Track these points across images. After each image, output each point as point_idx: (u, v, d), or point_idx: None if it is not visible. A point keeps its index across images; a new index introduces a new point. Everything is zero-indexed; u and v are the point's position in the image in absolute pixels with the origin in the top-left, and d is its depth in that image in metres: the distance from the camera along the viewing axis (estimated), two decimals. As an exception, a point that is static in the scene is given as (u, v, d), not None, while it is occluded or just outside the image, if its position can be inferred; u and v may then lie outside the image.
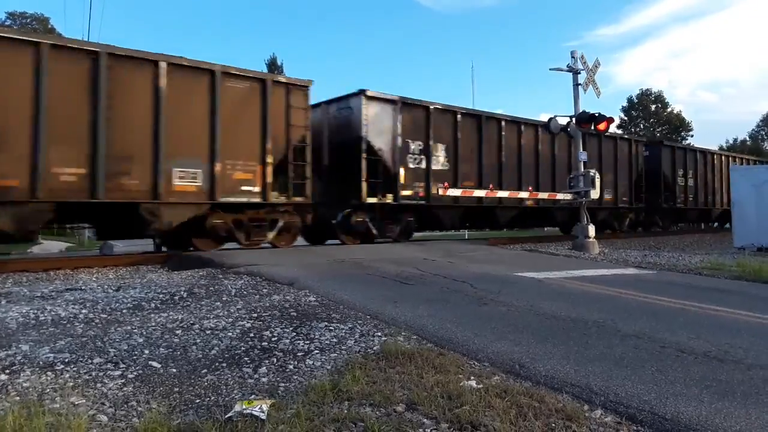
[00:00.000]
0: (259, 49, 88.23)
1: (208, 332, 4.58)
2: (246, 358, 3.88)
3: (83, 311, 5.37)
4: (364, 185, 12.71)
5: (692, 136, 58.25)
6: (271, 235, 11.65)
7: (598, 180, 13.97)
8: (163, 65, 9.96)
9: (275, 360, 3.85)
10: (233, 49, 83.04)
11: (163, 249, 12.28)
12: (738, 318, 5.49)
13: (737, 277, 8.84)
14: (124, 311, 5.44)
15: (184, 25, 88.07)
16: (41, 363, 3.64)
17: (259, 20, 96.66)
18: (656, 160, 21.30)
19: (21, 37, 8.97)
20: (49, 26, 40.62)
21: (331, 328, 4.77)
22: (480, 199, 15.09)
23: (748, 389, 3.32)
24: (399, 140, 13.39)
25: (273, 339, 4.40)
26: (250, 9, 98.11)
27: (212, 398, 3.12)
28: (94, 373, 3.48)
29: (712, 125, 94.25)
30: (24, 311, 5.26)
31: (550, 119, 14.32)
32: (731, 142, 64.32)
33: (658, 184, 21.29)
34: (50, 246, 21.83)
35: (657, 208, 21.65)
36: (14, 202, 8.62)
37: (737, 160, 27.34)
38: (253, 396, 3.13)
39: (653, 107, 59.65)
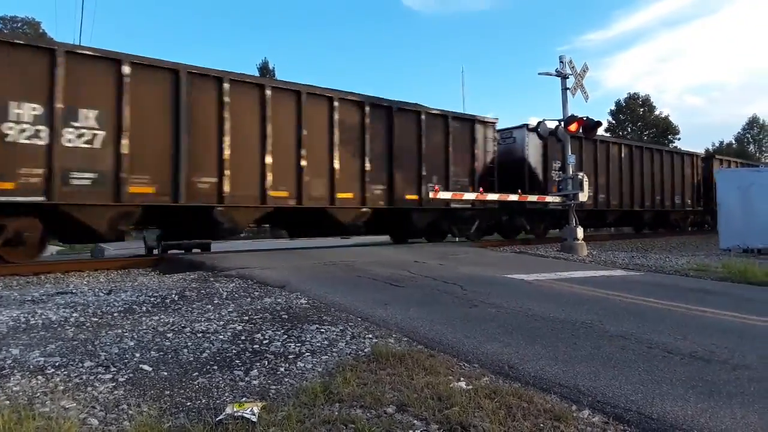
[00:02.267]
0: (247, 51, 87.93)
1: (200, 335, 4.58)
2: (237, 361, 3.89)
3: (74, 315, 5.33)
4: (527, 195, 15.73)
5: (679, 139, 58.82)
6: (473, 229, 15.86)
7: (587, 183, 14.16)
8: (423, 115, 14.31)
9: (266, 363, 3.86)
10: (223, 51, 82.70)
11: (155, 252, 12.26)
12: (724, 319, 5.57)
13: (723, 279, 8.95)
14: (115, 315, 5.42)
15: (175, 28, 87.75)
16: (31, 367, 3.63)
17: (248, 23, 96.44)
18: (709, 171, 25.84)
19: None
20: (41, 30, 40.07)
21: (322, 330, 4.78)
22: (598, 203, 19.20)
23: (733, 389, 3.38)
24: (548, 160, 17.31)
25: (264, 342, 4.41)
26: (239, 11, 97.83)
27: (203, 401, 3.12)
28: (84, 377, 3.47)
29: (699, 128, 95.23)
30: (14, 315, 5.23)
31: (539, 123, 14.44)
32: (717, 145, 65.08)
33: (710, 191, 25.33)
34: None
35: (710, 211, 25.66)
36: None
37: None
38: (244, 398, 3.14)
39: (641, 111, 60.20)
